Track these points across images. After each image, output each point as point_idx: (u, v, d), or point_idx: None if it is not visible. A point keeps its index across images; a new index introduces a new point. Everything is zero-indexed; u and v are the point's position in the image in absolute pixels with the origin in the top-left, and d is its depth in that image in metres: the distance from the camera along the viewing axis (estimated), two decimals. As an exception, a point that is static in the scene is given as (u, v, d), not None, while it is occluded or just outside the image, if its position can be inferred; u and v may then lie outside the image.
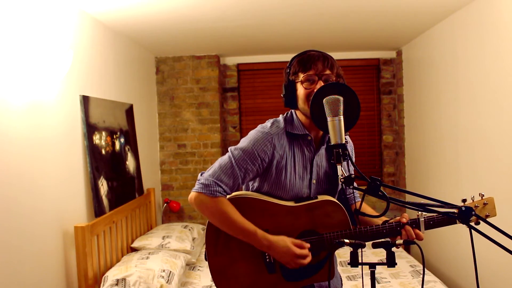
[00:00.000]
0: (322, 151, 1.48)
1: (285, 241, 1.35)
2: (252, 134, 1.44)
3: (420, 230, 1.33)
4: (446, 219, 1.33)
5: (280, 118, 1.49)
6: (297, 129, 1.44)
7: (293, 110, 1.50)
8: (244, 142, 1.43)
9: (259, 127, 1.47)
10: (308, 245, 1.37)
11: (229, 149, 1.44)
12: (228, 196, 1.42)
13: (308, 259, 1.36)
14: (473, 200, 1.34)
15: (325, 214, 1.41)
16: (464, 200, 1.31)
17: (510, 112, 2.32)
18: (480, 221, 1.15)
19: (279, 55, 4.24)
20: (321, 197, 1.43)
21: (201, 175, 1.41)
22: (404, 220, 1.34)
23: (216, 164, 1.41)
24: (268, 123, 1.47)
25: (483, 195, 1.32)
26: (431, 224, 1.34)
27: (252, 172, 1.41)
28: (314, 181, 1.46)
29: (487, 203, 1.32)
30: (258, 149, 1.39)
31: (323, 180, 1.48)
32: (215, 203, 1.36)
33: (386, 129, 4.34)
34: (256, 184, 1.48)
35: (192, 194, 1.39)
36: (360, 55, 4.28)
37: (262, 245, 1.37)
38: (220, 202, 1.37)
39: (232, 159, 1.39)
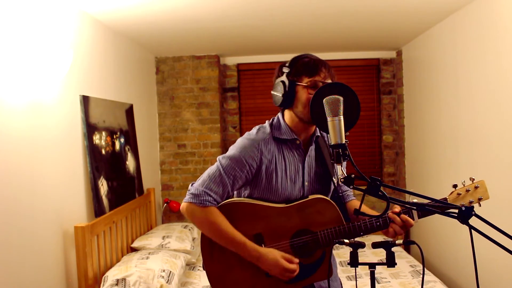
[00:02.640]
0: (312, 152, 1.49)
1: (274, 254, 1.37)
2: (239, 142, 1.46)
3: (413, 220, 1.34)
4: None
5: (266, 124, 1.50)
6: (285, 134, 1.45)
7: (279, 114, 1.50)
8: (231, 150, 1.44)
9: (246, 134, 1.48)
10: (297, 260, 1.38)
11: (217, 158, 1.45)
12: (219, 204, 1.43)
13: (296, 273, 1.37)
14: (464, 185, 1.34)
15: (317, 212, 1.41)
16: (455, 186, 1.31)
17: (510, 112, 2.32)
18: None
19: (279, 55, 4.24)
20: (311, 196, 1.44)
21: (191, 185, 1.43)
22: (396, 210, 1.35)
23: (205, 174, 1.43)
24: (254, 130, 1.49)
25: (474, 179, 1.32)
26: (424, 212, 1.34)
27: (240, 179, 1.42)
28: (307, 182, 1.47)
29: (479, 186, 1.32)
30: (246, 156, 1.40)
31: (314, 180, 1.48)
32: (205, 213, 1.38)
33: (386, 129, 4.33)
34: (247, 191, 1.48)
35: (183, 205, 1.42)
36: (360, 55, 4.28)
37: (252, 256, 1.38)
38: (209, 212, 1.38)
39: (220, 167, 1.41)
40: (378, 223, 1.36)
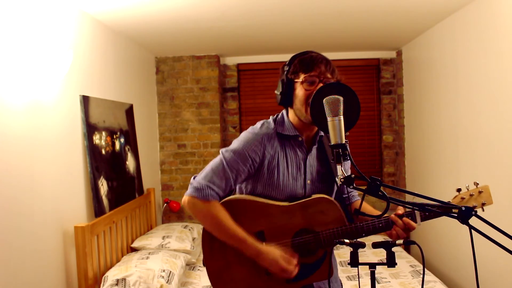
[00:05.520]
0: (314, 151, 1.48)
1: (274, 253, 1.36)
2: (242, 135, 1.45)
3: (416, 223, 1.34)
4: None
5: (270, 119, 1.50)
6: (287, 130, 1.44)
7: (284, 111, 1.50)
8: (235, 143, 1.44)
9: (250, 128, 1.48)
10: (295, 262, 1.37)
11: (220, 151, 1.45)
12: (222, 200, 1.43)
13: (294, 274, 1.37)
14: (467, 189, 1.33)
15: (320, 212, 1.41)
16: (459, 190, 1.31)
17: (510, 112, 2.32)
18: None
19: (279, 55, 4.24)
20: (315, 195, 1.44)
21: (193, 178, 1.42)
22: (400, 212, 1.35)
23: (208, 167, 1.43)
24: (258, 125, 1.48)
25: (478, 184, 1.32)
26: (427, 215, 1.34)
27: (243, 173, 1.41)
28: (309, 181, 1.47)
29: (483, 191, 1.32)
30: (249, 150, 1.40)
31: (317, 180, 1.48)
32: (207, 207, 1.38)
33: (386, 129, 4.34)
34: (249, 186, 1.48)
35: (185, 198, 1.41)
36: (360, 55, 4.28)
37: (251, 253, 1.37)
38: (212, 206, 1.38)
39: (224, 161, 1.40)
40: (380, 225, 1.36)
